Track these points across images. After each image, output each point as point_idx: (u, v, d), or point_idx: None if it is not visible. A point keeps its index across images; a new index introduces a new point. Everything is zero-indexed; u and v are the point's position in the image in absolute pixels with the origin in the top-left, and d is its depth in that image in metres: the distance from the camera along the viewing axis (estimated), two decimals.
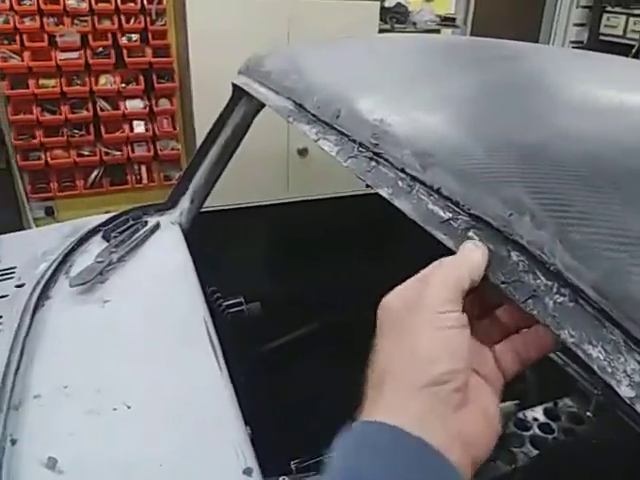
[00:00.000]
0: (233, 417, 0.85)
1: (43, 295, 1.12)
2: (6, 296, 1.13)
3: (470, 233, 0.50)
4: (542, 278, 0.41)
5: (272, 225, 1.73)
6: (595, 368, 0.36)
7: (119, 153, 3.45)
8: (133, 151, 3.48)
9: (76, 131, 3.31)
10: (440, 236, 0.52)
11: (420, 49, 1.19)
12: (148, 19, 3.21)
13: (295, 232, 1.70)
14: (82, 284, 1.13)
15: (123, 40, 3.21)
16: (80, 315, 1.08)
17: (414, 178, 0.60)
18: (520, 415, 1.41)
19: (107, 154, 3.42)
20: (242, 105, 1.35)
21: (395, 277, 0.54)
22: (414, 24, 3.80)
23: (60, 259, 1.24)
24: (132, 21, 3.19)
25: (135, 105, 3.39)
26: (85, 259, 1.26)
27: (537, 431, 1.38)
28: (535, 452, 1.34)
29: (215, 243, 1.55)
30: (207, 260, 1.36)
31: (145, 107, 3.40)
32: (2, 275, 1.21)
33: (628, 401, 0.34)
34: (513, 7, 4.96)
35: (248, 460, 0.75)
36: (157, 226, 1.44)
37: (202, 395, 0.86)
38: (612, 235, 0.40)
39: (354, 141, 0.74)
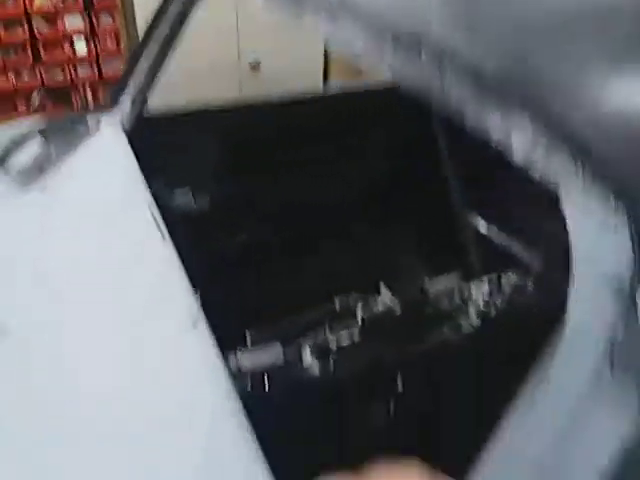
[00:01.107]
0: (179, 280, 0.87)
1: None
2: None
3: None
4: (451, 73, 0.43)
5: (221, 129, 1.69)
6: (492, 136, 0.38)
7: (61, 75, 3.30)
8: (76, 73, 3.33)
9: (12, 53, 3.14)
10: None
11: None
12: None
13: (246, 136, 1.68)
14: (23, 175, 1.12)
15: None
16: (21, 202, 1.07)
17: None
18: (464, 288, 1.48)
19: (48, 76, 3.27)
20: None
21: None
22: None
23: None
24: None
25: (75, 22, 3.22)
26: (26, 158, 1.24)
27: (481, 303, 1.46)
28: (479, 322, 1.42)
29: (161, 149, 1.52)
30: (153, 163, 1.34)
31: (86, 24, 3.22)
32: None
33: (521, 164, 0.37)
34: None
35: (195, 315, 0.78)
36: (97, 126, 1.41)
37: (141, 258, 0.87)
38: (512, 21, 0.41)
39: None
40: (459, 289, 1.49)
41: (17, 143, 1.29)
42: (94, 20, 3.25)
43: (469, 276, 1.50)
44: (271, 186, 1.59)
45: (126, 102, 1.48)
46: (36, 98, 3.31)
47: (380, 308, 1.42)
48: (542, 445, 0.38)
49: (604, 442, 0.35)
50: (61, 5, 3.14)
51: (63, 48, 3.23)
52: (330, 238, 1.67)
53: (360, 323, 1.40)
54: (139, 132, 1.46)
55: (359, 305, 1.41)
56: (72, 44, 3.26)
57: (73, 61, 3.29)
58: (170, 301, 0.80)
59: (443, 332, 1.38)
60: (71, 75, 3.30)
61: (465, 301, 1.50)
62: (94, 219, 0.99)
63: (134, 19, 3.21)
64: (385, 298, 1.46)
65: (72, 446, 0.60)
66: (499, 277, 1.54)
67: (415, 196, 1.85)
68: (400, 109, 1.69)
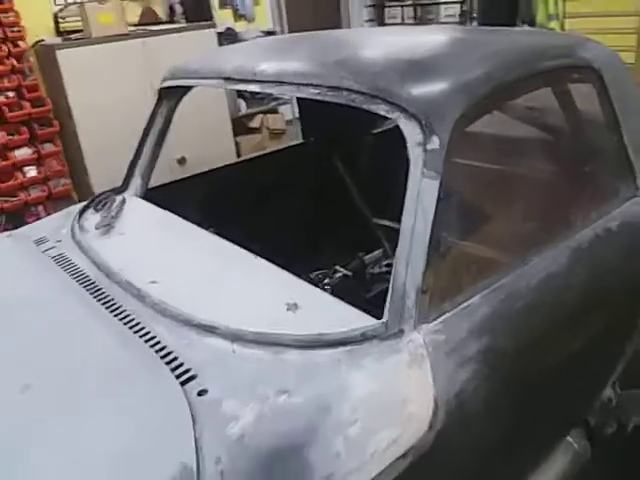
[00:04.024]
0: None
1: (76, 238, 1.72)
2: (53, 248, 1.71)
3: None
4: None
5: (202, 190, 2.37)
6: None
7: (16, 199, 3.82)
8: (29, 195, 3.87)
9: None
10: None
11: (271, 40, 1.99)
12: (20, 76, 3.68)
13: (216, 195, 2.38)
14: (100, 229, 1.75)
15: (1, 98, 3.63)
16: (116, 239, 1.70)
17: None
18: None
19: (6, 202, 3.78)
20: (166, 103, 2.04)
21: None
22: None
23: (75, 223, 1.83)
24: (6, 81, 3.63)
25: (24, 153, 3.81)
26: (94, 221, 1.85)
27: None
28: None
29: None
30: None
31: (34, 153, 3.82)
32: (40, 242, 1.77)
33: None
34: (316, 16, 6.02)
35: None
36: (124, 200, 2.06)
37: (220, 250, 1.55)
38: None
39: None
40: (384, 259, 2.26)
41: (80, 214, 1.91)
42: (40, 148, 3.86)
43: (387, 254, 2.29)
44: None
45: (137, 180, 2.15)
46: None
47: (338, 276, 2.14)
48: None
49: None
50: (10, 138, 3.72)
51: (16, 176, 3.79)
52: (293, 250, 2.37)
53: (329, 286, 2.10)
54: (149, 200, 2.12)
55: (326, 278, 2.12)
56: (23, 171, 3.83)
57: (25, 185, 3.83)
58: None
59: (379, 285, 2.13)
60: (25, 197, 3.83)
61: (389, 265, 2.26)
62: (174, 237, 1.64)
63: (77, 139, 3.86)
64: (341, 271, 2.18)
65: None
66: None
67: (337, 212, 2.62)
68: (303, 155, 2.52)
